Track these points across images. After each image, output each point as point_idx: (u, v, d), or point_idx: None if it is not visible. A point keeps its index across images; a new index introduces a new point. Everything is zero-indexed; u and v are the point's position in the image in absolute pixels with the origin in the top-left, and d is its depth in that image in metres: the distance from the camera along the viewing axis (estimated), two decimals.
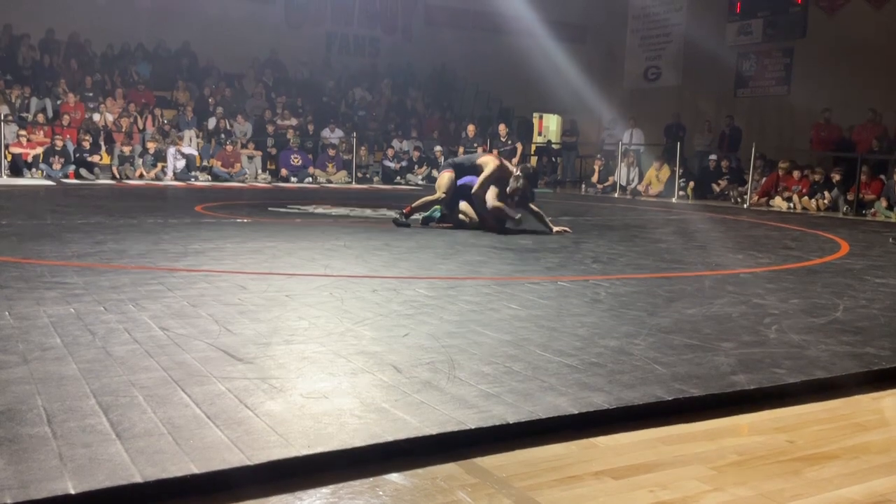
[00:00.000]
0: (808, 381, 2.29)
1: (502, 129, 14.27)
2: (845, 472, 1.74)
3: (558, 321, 2.98)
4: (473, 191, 6.61)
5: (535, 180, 6.92)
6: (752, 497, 1.59)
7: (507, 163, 6.92)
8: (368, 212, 8.30)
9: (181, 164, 13.82)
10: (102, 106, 14.65)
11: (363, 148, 16.02)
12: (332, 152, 15.40)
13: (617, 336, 2.76)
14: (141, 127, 14.59)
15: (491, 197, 6.56)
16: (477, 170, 6.76)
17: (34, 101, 14.25)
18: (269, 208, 8.24)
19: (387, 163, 16.10)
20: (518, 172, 6.64)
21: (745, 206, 12.46)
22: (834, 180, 12.11)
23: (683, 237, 6.81)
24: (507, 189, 6.59)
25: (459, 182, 6.94)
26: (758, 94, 16.20)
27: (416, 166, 16.25)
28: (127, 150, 13.59)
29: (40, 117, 13.88)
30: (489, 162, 6.70)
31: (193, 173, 13.95)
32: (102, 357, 2.24)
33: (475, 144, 14.45)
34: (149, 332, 2.55)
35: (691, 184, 14.18)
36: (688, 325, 3.00)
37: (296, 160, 14.97)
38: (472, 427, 1.79)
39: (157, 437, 1.65)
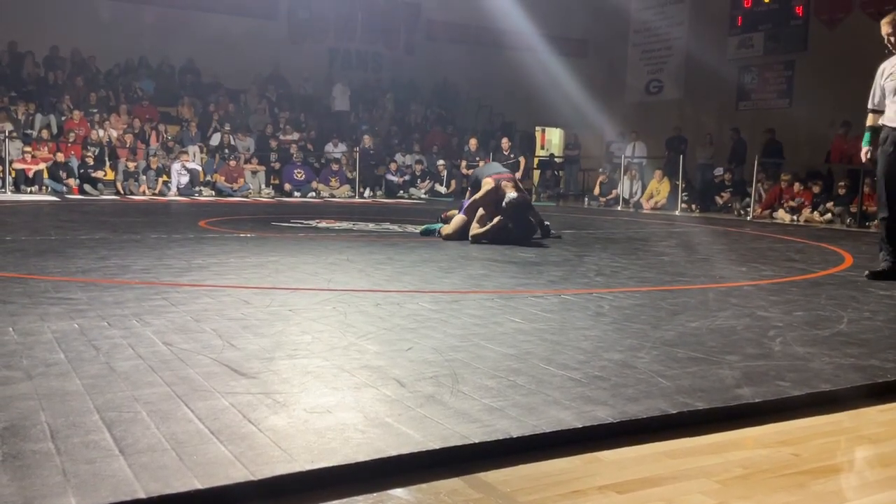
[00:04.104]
0: (813, 394, 2.28)
1: (505, 142, 14.32)
2: (851, 486, 1.73)
3: (562, 334, 2.98)
4: (465, 209, 6.79)
5: (519, 214, 6.60)
6: None
7: (506, 184, 6.74)
8: (371, 226, 8.31)
9: (185, 179, 13.88)
10: (106, 122, 14.72)
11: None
12: (335, 167, 15.46)
13: (621, 349, 2.76)
14: (145, 142, 14.66)
15: (473, 211, 6.67)
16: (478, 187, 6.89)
17: (39, 118, 14.34)
18: (273, 223, 8.26)
19: (389, 177, 16.14)
20: (503, 204, 6.54)
21: (748, 218, 12.46)
22: (840, 192, 12.11)
23: (686, 250, 6.81)
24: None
25: (467, 201, 7.08)
26: (759, 107, 16.25)
27: (418, 180, 16.30)
28: (131, 165, 13.65)
29: (45, 133, 13.95)
30: (486, 184, 6.77)
31: (197, 188, 14.00)
32: (106, 372, 2.24)
33: (477, 158, 14.50)
34: (152, 348, 2.55)
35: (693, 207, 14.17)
36: (692, 338, 2.99)
37: (299, 175, 15.02)
38: (476, 441, 1.78)
39: (160, 452, 1.65)
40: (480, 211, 6.66)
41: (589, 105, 17.12)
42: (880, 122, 4.99)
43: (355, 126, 17.33)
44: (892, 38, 4.87)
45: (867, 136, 5.10)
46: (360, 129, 17.21)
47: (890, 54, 4.96)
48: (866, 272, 4.99)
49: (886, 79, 4.95)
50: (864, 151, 5.10)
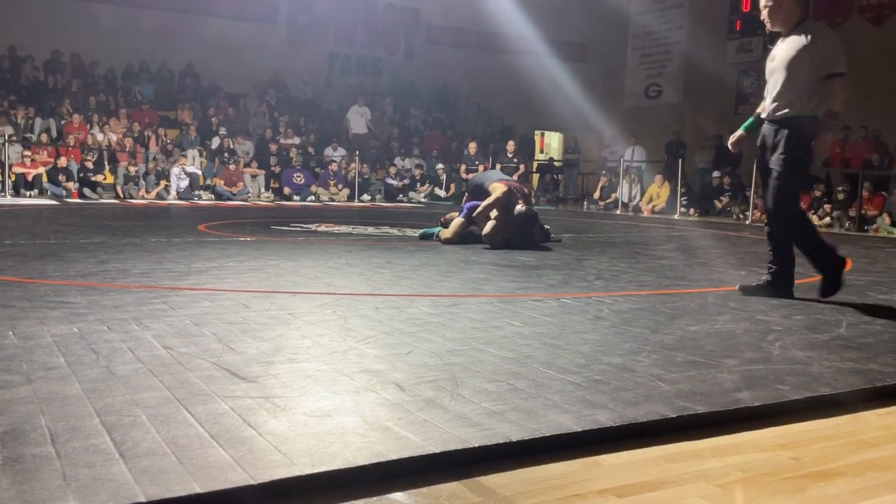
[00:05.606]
0: (813, 398, 2.28)
1: (510, 145, 14.31)
2: (851, 489, 1.73)
3: (561, 338, 2.98)
4: (475, 213, 6.72)
5: (527, 226, 6.66)
6: None
7: (517, 191, 6.78)
8: (371, 230, 8.31)
9: (184, 183, 13.89)
10: (106, 126, 14.74)
11: (365, 166, 16.09)
12: (334, 167, 15.48)
13: (620, 353, 2.76)
14: (144, 146, 14.67)
15: (483, 216, 6.63)
16: (486, 194, 6.85)
17: (38, 122, 14.35)
18: (272, 227, 8.26)
19: (389, 181, 16.15)
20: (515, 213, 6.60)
21: (747, 222, 12.47)
22: (840, 197, 12.13)
23: (685, 254, 6.81)
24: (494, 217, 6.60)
25: (468, 204, 7.05)
26: None
27: (418, 184, 16.31)
28: (131, 169, 13.67)
29: (44, 137, 13.96)
30: (497, 189, 6.75)
31: (196, 192, 14.01)
32: (106, 376, 2.24)
33: (476, 162, 14.53)
34: (152, 352, 2.55)
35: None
36: (691, 341, 2.99)
37: (298, 178, 15.02)
38: (476, 445, 1.78)
39: (160, 456, 1.65)
40: (494, 212, 6.65)
41: (588, 109, 17.14)
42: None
43: (375, 150, 17.07)
44: (766, 10, 4.06)
45: (749, 120, 4.32)
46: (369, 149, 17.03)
47: (772, 33, 4.20)
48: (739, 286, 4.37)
49: (769, 62, 4.16)
50: (735, 136, 4.32)
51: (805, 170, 4.06)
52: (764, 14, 4.09)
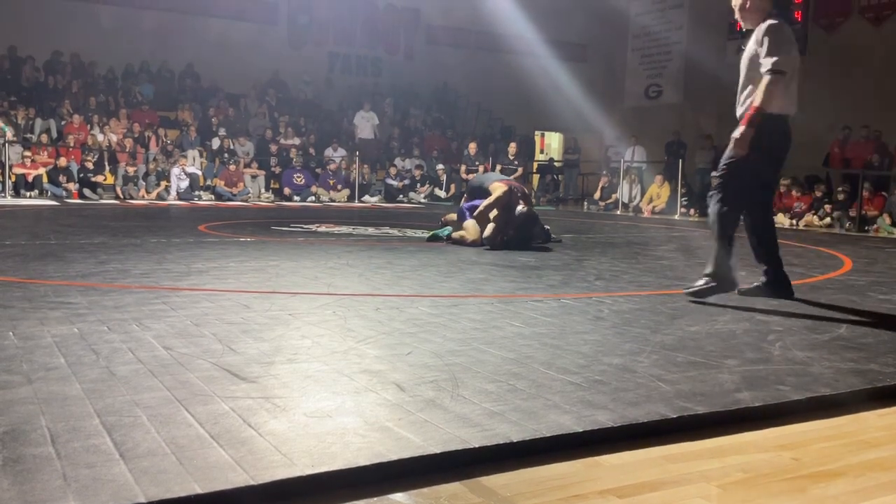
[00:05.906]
0: (813, 398, 2.28)
1: (512, 147, 14.28)
2: (851, 490, 1.73)
3: (561, 339, 2.98)
4: (475, 214, 6.71)
5: (527, 226, 6.71)
6: None
7: (517, 191, 6.78)
8: (371, 230, 8.32)
9: (184, 183, 13.89)
10: (106, 127, 14.74)
11: (365, 166, 16.09)
12: (332, 167, 15.49)
13: (620, 353, 2.76)
14: (144, 147, 14.67)
15: (483, 216, 6.62)
16: (486, 194, 6.84)
17: (38, 122, 14.35)
18: (272, 227, 8.26)
19: (389, 181, 16.15)
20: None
21: None
22: (840, 197, 12.13)
23: (686, 254, 6.81)
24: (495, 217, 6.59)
25: (468, 205, 7.03)
26: None
27: (418, 185, 16.31)
28: (131, 170, 13.67)
29: (44, 138, 13.96)
30: (498, 188, 6.75)
31: (196, 193, 14.02)
32: (106, 377, 2.24)
33: (477, 162, 14.52)
34: (152, 352, 2.55)
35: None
36: (691, 342, 2.99)
37: (298, 179, 15.03)
38: (476, 446, 1.78)
39: (160, 457, 1.65)
40: (494, 212, 6.64)
41: (588, 109, 17.15)
42: None
43: (385, 154, 17.02)
44: (737, 7, 4.07)
45: None
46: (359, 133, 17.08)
47: (746, 32, 4.18)
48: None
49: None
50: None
51: (757, 165, 4.00)
52: (736, 13, 4.12)
